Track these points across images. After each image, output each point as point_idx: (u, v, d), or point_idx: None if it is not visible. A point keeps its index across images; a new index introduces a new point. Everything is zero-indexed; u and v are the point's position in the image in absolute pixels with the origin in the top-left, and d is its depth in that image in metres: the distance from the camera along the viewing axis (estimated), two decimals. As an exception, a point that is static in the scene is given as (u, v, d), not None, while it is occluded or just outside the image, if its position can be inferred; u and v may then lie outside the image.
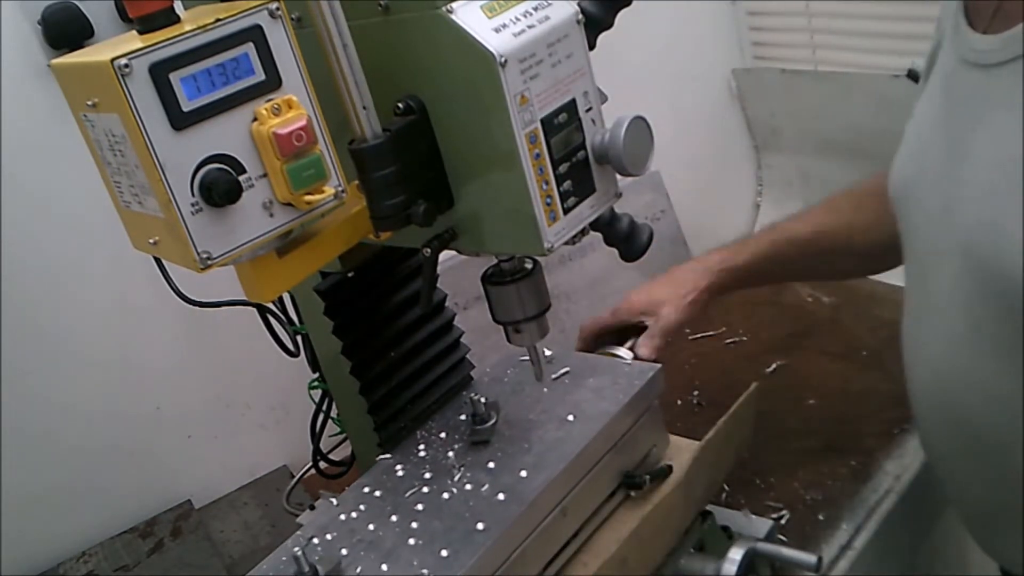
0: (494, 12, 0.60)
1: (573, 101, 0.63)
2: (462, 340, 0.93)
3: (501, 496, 0.75)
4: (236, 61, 0.57)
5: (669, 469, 0.85)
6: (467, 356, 0.94)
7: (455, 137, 0.64)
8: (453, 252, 0.72)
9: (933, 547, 1.10)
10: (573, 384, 0.88)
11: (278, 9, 0.58)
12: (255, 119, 0.58)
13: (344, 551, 0.74)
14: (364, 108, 0.61)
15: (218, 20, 0.56)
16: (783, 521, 0.99)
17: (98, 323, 1.18)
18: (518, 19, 0.61)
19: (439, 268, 0.76)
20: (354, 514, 0.79)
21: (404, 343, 0.88)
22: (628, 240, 0.76)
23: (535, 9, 0.62)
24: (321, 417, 0.98)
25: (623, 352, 1.02)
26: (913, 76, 0.96)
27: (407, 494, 0.79)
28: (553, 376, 0.89)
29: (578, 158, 0.64)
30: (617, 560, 0.75)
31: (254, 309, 0.93)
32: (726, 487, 1.04)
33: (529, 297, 0.74)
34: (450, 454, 0.82)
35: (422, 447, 0.85)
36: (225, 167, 0.57)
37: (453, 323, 0.93)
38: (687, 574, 0.84)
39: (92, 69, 0.54)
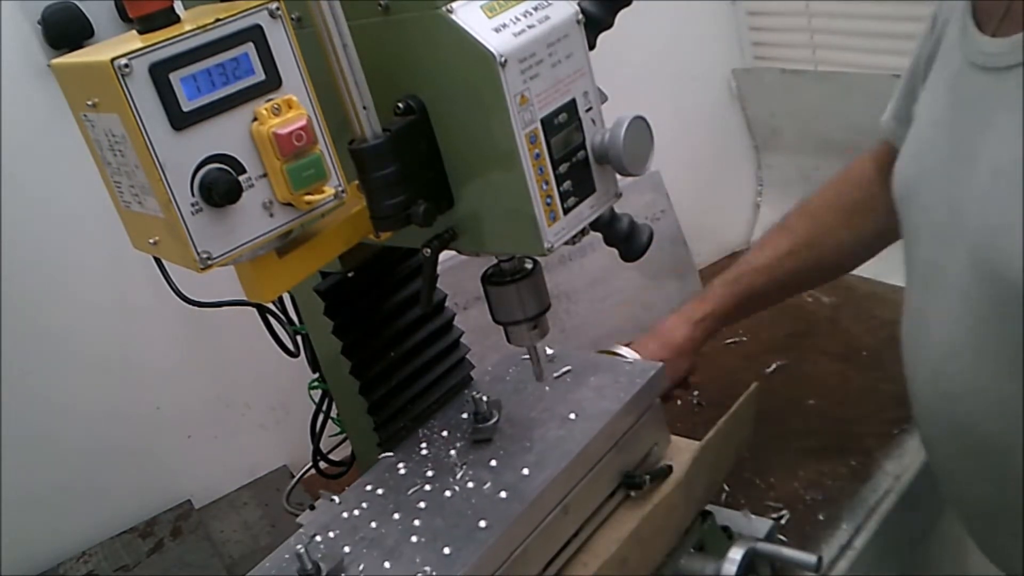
0: (494, 12, 0.60)
1: (573, 101, 0.63)
2: (462, 340, 0.93)
3: (503, 494, 0.75)
4: (236, 61, 0.56)
5: (669, 469, 0.85)
6: (467, 356, 0.94)
7: (455, 137, 0.64)
8: (453, 252, 0.72)
9: (933, 547, 1.10)
10: (575, 382, 0.88)
11: (278, 9, 0.58)
12: (255, 119, 0.58)
13: (347, 549, 0.74)
14: (364, 108, 0.61)
15: (218, 20, 0.56)
16: (783, 521, 0.99)
17: (98, 323, 1.18)
18: (518, 19, 0.61)
19: (439, 268, 0.75)
20: (356, 512, 0.79)
21: (404, 343, 0.88)
22: (628, 240, 0.76)
23: (535, 9, 0.62)
24: (321, 417, 0.98)
25: (624, 351, 1.02)
26: None
27: (409, 492, 0.79)
28: (555, 375, 0.89)
29: (578, 158, 0.64)
30: (617, 560, 0.75)
31: (254, 309, 0.93)
32: (726, 487, 1.04)
33: (529, 297, 0.74)
34: (452, 452, 0.82)
35: (424, 445, 0.86)
36: (225, 167, 0.57)
37: (453, 323, 0.93)
38: (687, 574, 0.84)
39: (92, 69, 0.54)
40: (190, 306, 0.94)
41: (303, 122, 0.58)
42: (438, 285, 0.86)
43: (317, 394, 0.97)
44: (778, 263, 1.06)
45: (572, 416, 0.83)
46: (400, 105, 0.64)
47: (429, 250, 0.69)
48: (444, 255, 0.71)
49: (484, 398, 0.84)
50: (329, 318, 0.84)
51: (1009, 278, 0.68)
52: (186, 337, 1.25)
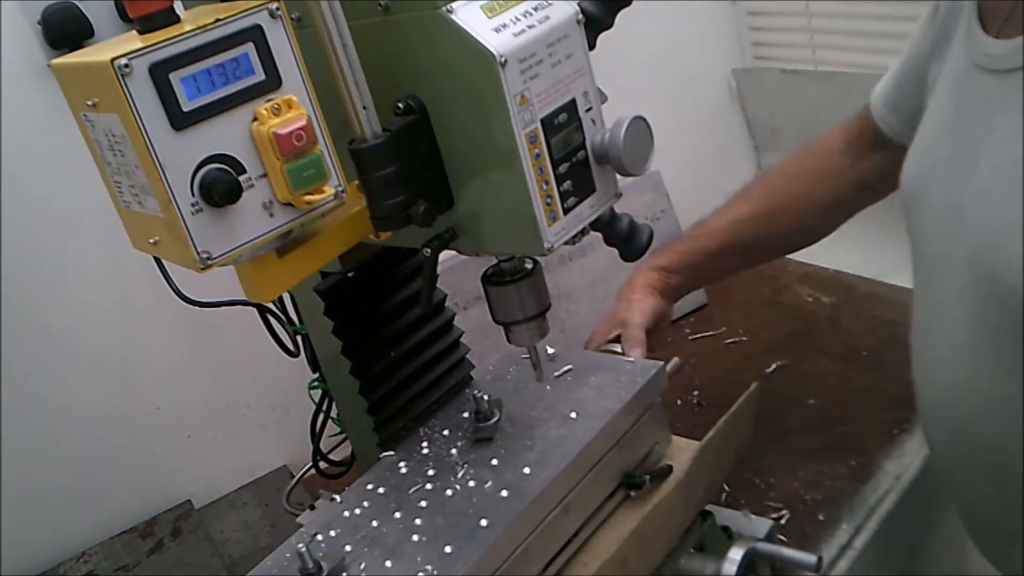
0: (494, 12, 0.60)
1: (573, 101, 0.63)
2: (462, 340, 0.93)
3: (504, 493, 0.75)
4: (236, 61, 0.57)
5: (669, 469, 0.85)
6: (467, 356, 0.94)
7: (455, 137, 0.64)
8: (453, 252, 0.72)
9: (933, 547, 1.10)
10: (576, 382, 0.88)
11: (278, 9, 0.58)
12: (255, 119, 0.58)
13: (348, 548, 0.75)
14: (364, 108, 0.61)
15: (218, 20, 0.56)
16: (783, 521, 0.99)
17: (98, 323, 1.18)
18: (518, 19, 0.61)
19: (439, 268, 0.76)
20: (358, 511, 0.79)
21: (404, 343, 0.88)
22: (628, 240, 0.76)
23: (535, 9, 0.62)
24: (321, 417, 0.98)
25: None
26: None
27: (411, 491, 0.79)
28: (556, 374, 0.89)
29: (578, 158, 0.64)
30: (617, 560, 0.75)
31: (254, 309, 0.93)
32: (726, 487, 1.04)
33: (529, 297, 0.75)
34: (453, 451, 0.82)
35: (425, 444, 0.86)
36: (225, 167, 0.57)
37: (453, 323, 0.93)
38: (687, 574, 0.84)
39: (92, 69, 0.54)
40: (190, 306, 0.94)
41: (303, 122, 0.58)
42: (438, 285, 0.86)
43: (317, 394, 0.97)
44: (736, 228, 1.07)
45: (573, 415, 0.83)
46: (400, 105, 0.64)
47: (429, 250, 0.69)
48: (444, 255, 0.71)
49: (485, 397, 0.84)
50: (329, 318, 0.84)
51: (1008, 280, 0.68)
52: (186, 337, 1.25)
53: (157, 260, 0.88)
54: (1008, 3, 0.71)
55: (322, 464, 1.01)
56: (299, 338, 0.93)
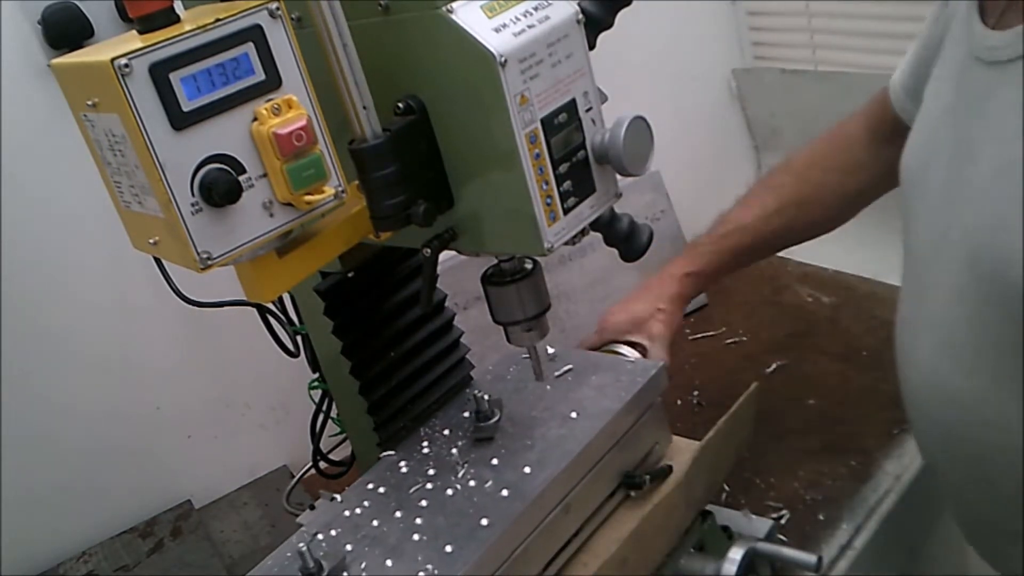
0: (494, 12, 0.60)
1: (573, 101, 0.63)
2: (462, 340, 0.93)
3: (505, 492, 0.75)
4: (236, 61, 0.56)
5: (669, 469, 0.85)
6: (467, 356, 0.94)
7: (455, 137, 0.64)
8: (453, 252, 0.72)
9: (933, 547, 1.10)
10: (576, 381, 0.88)
11: (278, 9, 0.58)
12: (255, 119, 0.58)
13: (349, 547, 0.75)
14: (364, 108, 0.61)
15: (218, 20, 0.56)
16: (783, 521, 0.99)
17: (98, 323, 1.18)
18: (518, 19, 0.61)
19: (439, 268, 0.76)
20: (358, 510, 0.79)
21: (404, 343, 0.88)
22: (628, 240, 0.76)
23: (535, 9, 0.62)
24: (321, 417, 0.98)
25: (626, 350, 1.02)
26: None
27: (411, 490, 0.79)
28: (556, 373, 0.89)
29: (578, 158, 0.64)
30: (617, 560, 0.75)
31: (254, 309, 0.93)
32: (726, 487, 1.04)
33: (529, 297, 0.74)
34: (454, 451, 0.82)
35: (426, 444, 0.86)
36: (225, 167, 0.57)
37: (453, 323, 0.93)
38: (687, 574, 0.84)
39: (92, 69, 0.54)
40: (190, 306, 0.94)
41: (303, 122, 0.58)
42: (438, 285, 0.86)
43: (317, 394, 0.97)
44: (765, 222, 1.07)
45: (573, 415, 0.83)
46: (400, 105, 0.64)
47: (429, 250, 0.69)
48: (444, 255, 0.71)
49: (486, 397, 0.84)
50: (329, 318, 0.84)
51: (1007, 277, 0.67)
52: (186, 337, 1.25)
53: (157, 260, 0.88)
54: None
55: (322, 464, 1.01)
56: (299, 338, 0.93)
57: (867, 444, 1.08)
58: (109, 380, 1.20)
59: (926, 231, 0.81)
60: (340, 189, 0.62)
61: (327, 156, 0.61)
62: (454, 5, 0.59)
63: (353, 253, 0.74)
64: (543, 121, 0.61)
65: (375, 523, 0.77)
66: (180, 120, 0.55)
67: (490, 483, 0.77)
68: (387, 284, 0.87)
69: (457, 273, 1.14)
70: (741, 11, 1.73)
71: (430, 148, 0.65)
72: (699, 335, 1.40)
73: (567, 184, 0.63)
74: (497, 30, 0.59)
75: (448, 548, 0.71)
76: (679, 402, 1.23)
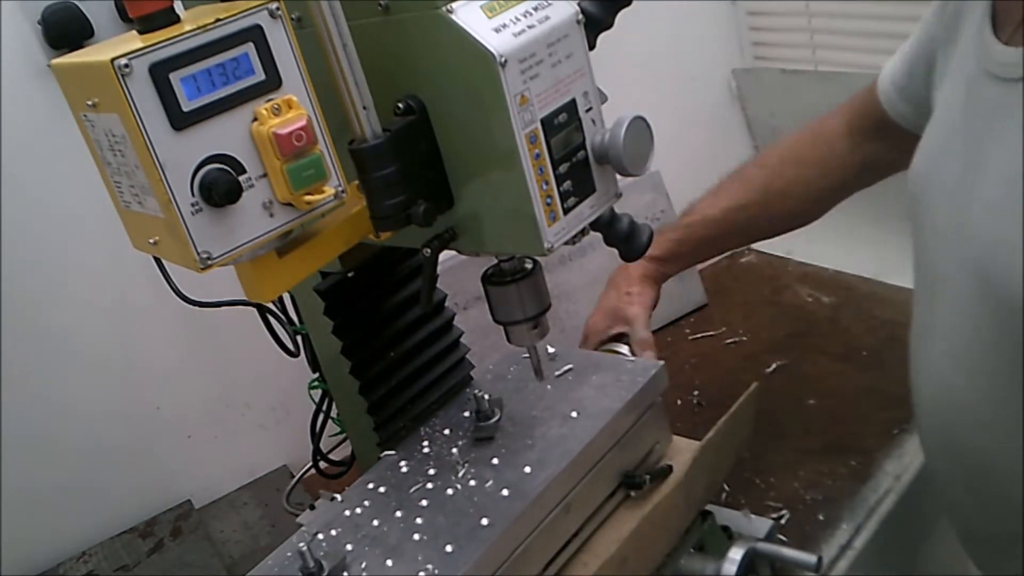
0: (494, 12, 0.60)
1: (573, 101, 0.63)
2: (462, 340, 0.93)
3: (505, 492, 0.75)
4: (236, 61, 0.56)
5: (669, 469, 0.85)
6: (467, 356, 0.94)
7: (455, 137, 0.64)
8: (453, 252, 0.72)
9: (933, 547, 1.10)
10: (576, 381, 0.88)
11: (278, 9, 0.58)
12: (255, 119, 0.58)
13: (349, 547, 0.75)
14: (364, 108, 0.61)
15: (218, 20, 0.55)
16: (783, 521, 0.99)
17: (98, 323, 1.18)
18: (518, 19, 0.61)
19: (439, 268, 0.76)
20: (359, 510, 0.79)
21: (404, 343, 0.88)
22: (628, 240, 0.76)
23: (535, 9, 0.62)
24: (321, 417, 0.98)
25: (625, 349, 1.02)
26: None
27: (411, 490, 0.79)
28: (556, 373, 0.89)
29: (578, 158, 0.64)
30: (617, 560, 0.75)
31: (254, 309, 0.93)
32: (726, 487, 1.04)
33: (529, 297, 0.74)
34: (454, 450, 0.82)
35: (426, 443, 0.86)
36: (225, 167, 0.57)
37: (453, 323, 0.93)
38: (687, 574, 0.84)
39: (92, 69, 0.54)
40: (190, 306, 0.94)
41: (303, 122, 0.58)
42: (438, 285, 0.86)
43: (317, 394, 0.97)
44: (731, 214, 1.08)
45: (574, 414, 0.83)
46: (400, 105, 0.64)
47: (429, 250, 0.69)
48: (444, 255, 0.71)
49: (486, 396, 0.84)
50: (329, 318, 0.84)
51: (1012, 294, 0.67)
52: (186, 337, 1.25)
53: (157, 260, 0.88)
54: (1021, 8, 0.70)
55: (322, 464, 1.01)
56: (299, 338, 0.93)
57: (867, 444, 1.08)
58: (109, 380, 1.20)
59: (934, 244, 0.80)
60: (340, 189, 0.62)
61: (327, 156, 0.61)
62: (454, 5, 0.59)
63: (353, 253, 0.74)
64: (543, 121, 0.61)
65: (375, 523, 0.77)
66: (180, 120, 0.55)
67: (490, 483, 0.77)
68: (387, 284, 0.87)
69: (457, 273, 1.14)
70: (741, 11, 1.73)
71: (430, 148, 0.65)
72: (699, 335, 1.40)
73: (567, 184, 0.63)
74: (497, 30, 0.59)
75: (448, 548, 0.71)
76: (679, 402, 1.23)
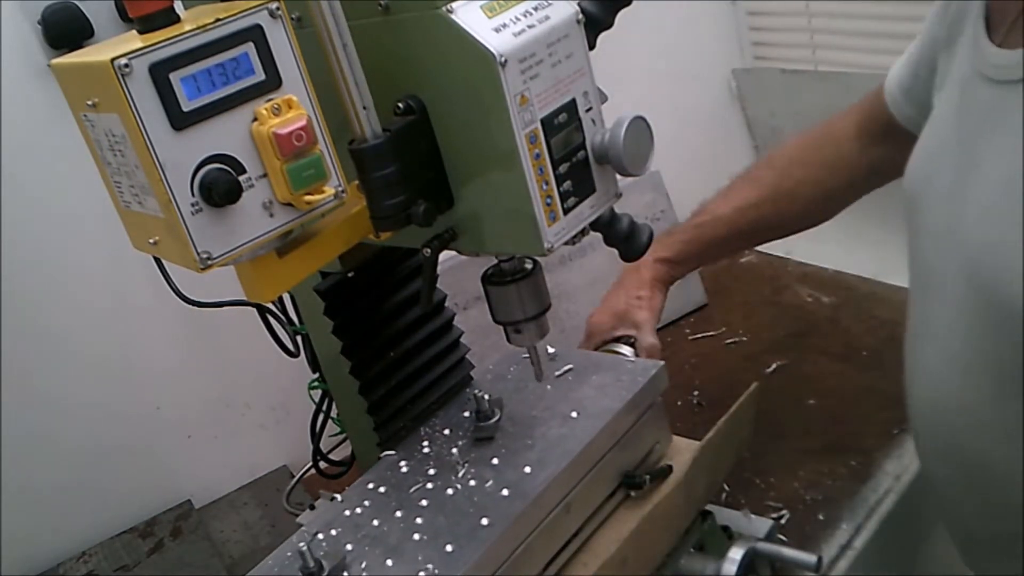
0: (494, 12, 0.60)
1: (573, 101, 0.63)
2: (462, 340, 0.93)
3: (505, 492, 0.75)
4: (236, 61, 0.56)
5: (669, 469, 0.85)
6: (467, 356, 0.94)
7: (455, 137, 0.64)
8: (453, 252, 0.72)
9: (933, 547, 1.10)
10: (576, 381, 0.88)
11: (278, 9, 0.58)
12: (255, 119, 0.58)
13: (349, 547, 0.75)
14: (364, 108, 0.61)
15: (218, 20, 0.56)
16: (783, 521, 0.99)
17: (98, 323, 1.18)
18: (518, 19, 0.61)
19: (439, 268, 0.76)
20: (359, 510, 0.79)
21: (404, 343, 0.88)
22: (628, 240, 0.76)
23: (535, 9, 0.62)
24: (321, 417, 0.98)
25: (626, 349, 1.02)
26: None
27: (412, 490, 0.79)
28: (556, 373, 0.89)
29: (578, 158, 0.64)
30: (617, 560, 0.75)
31: (254, 309, 0.93)
32: (726, 487, 1.04)
33: (529, 297, 0.74)
34: (454, 450, 0.82)
35: (426, 443, 0.86)
36: (225, 167, 0.57)
37: (453, 323, 0.93)
38: (687, 574, 0.84)
39: (92, 69, 0.54)
40: (190, 306, 0.94)
41: (303, 122, 0.58)
42: (438, 285, 0.86)
43: (317, 394, 0.97)
44: (741, 215, 1.07)
45: (574, 414, 0.83)
46: (400, 105, 0.64)
47: (429, 250, 0.69)
48: (444, 255, 0.71)
49: (486, 396, 0.84)
50: (329, 318, 0.84)
51: (1006, 296, 0.67)
52: (186, 337, 1.25)
53: (157, 260, 0.88)
54: (1014, 10, 0.70)
55: (322, 464, 1.01)
56: (299, 338, 0.93)
57: (867, 444, 1.08)
58: (109, 380, 1.20)
59: (930, 245, 0.80)
60: (340, 189, 0.62)
61: (327, 156, 0.61)
62: (454, 5, 0.59)
63: (353, 253, 0.74)
64: (543, 121, 0.61)
65: (375, 523, 0.77)
66: (180, 120, 0.55)
67: (490, 483, 0.77)
68: (387, 284, 0.87)
69: (457, 273, 1.14)
70: (741, 11, 1.73)
71: (430, 148, 0.65)
72: (699, 335, 1.40)
73: (567, 184, 0.63)
74: (497, 30, 0.59)
75: (448, 548, 0.71)
76: (679, 402, 1.23)
